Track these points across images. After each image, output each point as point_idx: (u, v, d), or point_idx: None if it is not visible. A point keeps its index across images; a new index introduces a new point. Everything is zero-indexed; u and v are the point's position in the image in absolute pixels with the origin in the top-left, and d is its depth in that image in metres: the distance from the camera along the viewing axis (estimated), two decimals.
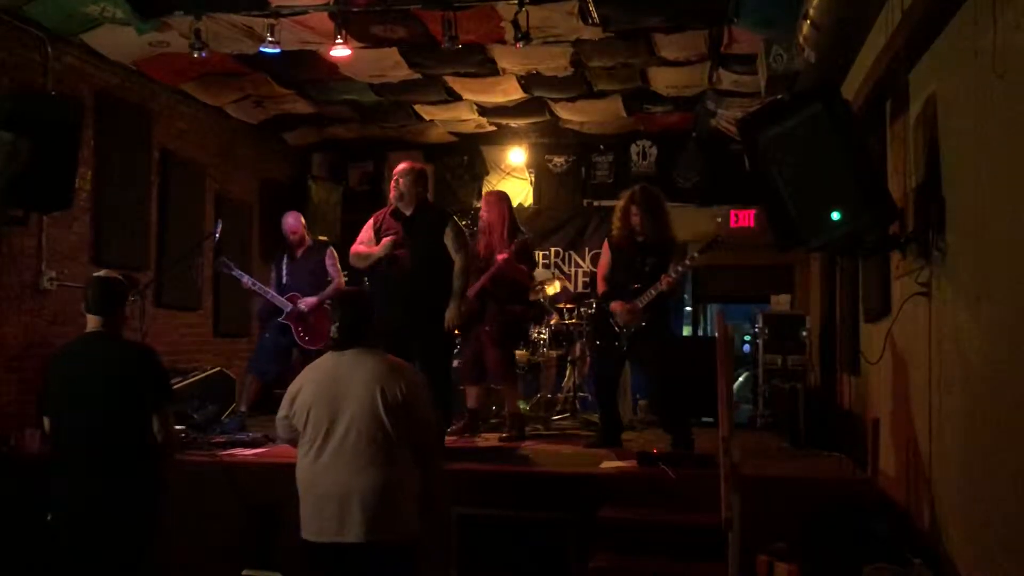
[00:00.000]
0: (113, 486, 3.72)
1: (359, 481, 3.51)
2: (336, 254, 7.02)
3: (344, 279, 7.16)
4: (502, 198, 6.81)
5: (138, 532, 3.81)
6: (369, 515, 3.49)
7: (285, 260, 7.01)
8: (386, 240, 5.78)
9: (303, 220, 7.10)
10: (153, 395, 3.80)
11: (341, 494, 3.51)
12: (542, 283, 8.16)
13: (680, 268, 5.72)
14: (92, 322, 3.89)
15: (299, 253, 6.99)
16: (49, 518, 3.81)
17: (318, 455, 3.59)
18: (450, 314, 5.74)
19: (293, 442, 3.79)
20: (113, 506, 3.72)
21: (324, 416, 3.59)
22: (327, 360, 3.77)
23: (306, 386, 3.71)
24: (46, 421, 3.91)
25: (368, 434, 3.53)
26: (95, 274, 4.06)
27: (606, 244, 6.18)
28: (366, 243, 5.93)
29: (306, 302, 6.76)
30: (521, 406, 7.40)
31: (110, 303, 3.91)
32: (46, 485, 3.85)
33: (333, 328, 3.75)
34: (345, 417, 3.56)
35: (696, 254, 5.76)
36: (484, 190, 9.88)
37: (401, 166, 5.89)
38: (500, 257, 6.33)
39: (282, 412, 3.75)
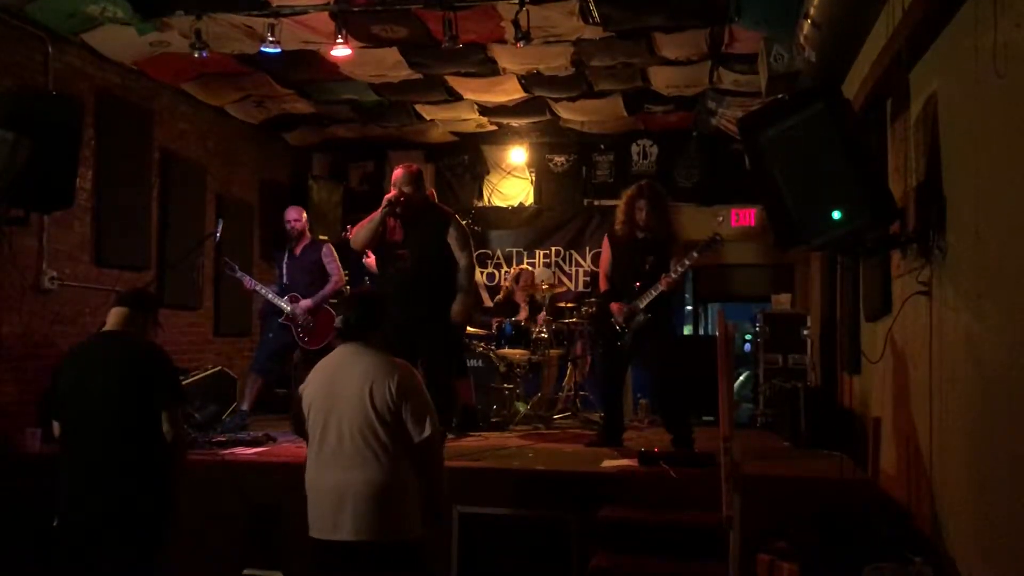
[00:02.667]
0: (123, 485, 3.70)
1: (350, 480, 3.50)
2: (334, 251, 7.01)
3: (345, 277, 7.16)
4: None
5: (149, 533, 3.78)
6: (360, 515, 3.47)
7: (285, 258, 7.01)
8: (386, 198, 5.75)
9: (305, 215, 7.10)
10: (162, 393, 3.78)
11: (336, 492, 3.52)
12: (543, 283, 8.17)
13: (680, 268, 5.72)
14: (114, 317, 3.87)
15: (298, 251, 6.99)
16: (55, 523, 3.76)
17: (318, 452, 3.60)
18: (457, 308, 5.73)
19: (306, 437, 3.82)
20: (123, 506, 3.69)
21: (321, 413, 3.61)
22: (331, 357, 3.80)
23: (310, 384, 3.74)
24: (55, 425, 3.88)
25: (358, 433, 3.52)
26: None
27: (606, 240, 6.18)
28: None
29: (302, 306, 6.73)
30: (521, 406, 7.41)
31: (141, 301, 3.97)
32: (49, 485, 3.82)
33: (338, 320, 3.77)
34: (337, 415, 3.56)
35: (695, 253, 5.76)
36: (485, 190, 9.91)
37: (398, 172, 5.88)
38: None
39: (294, 408, 3.81)
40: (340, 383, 3.62)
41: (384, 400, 3.54)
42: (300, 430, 3.79)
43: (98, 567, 3.72)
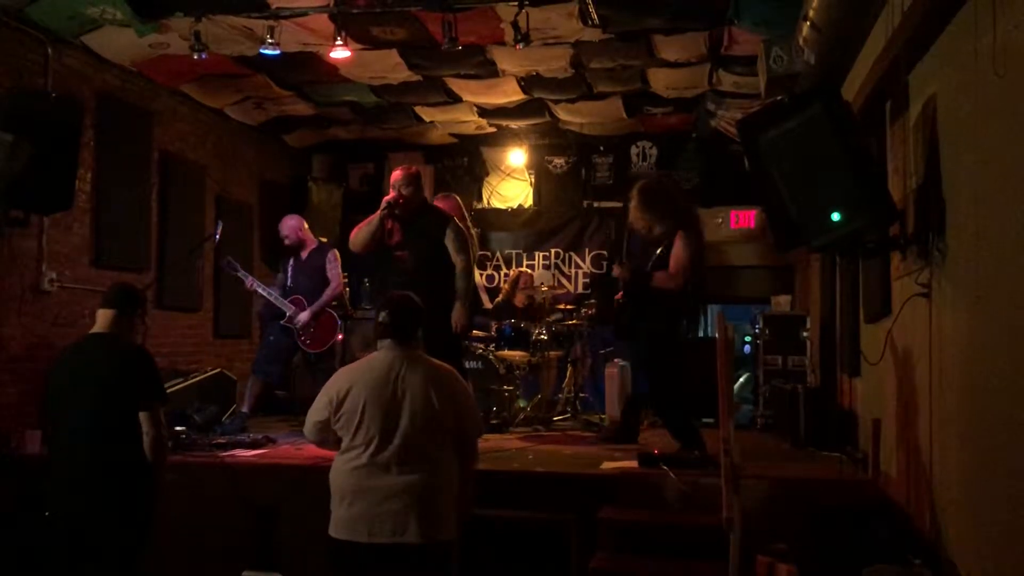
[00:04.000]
0: (105, 486, 3.75)
1: (418, 482, 3.49)
2: (338, 256, 6.99)
3: (344, 281, 7.15)
4: (447, 198, 6.99)
5: (131, 533, 3.81)
6: (427, 516, 3.48)
7: (291, 261, 6.99)
8: (385, 199, 5.77)
9: (304, 224, 7.07)
10: (143, 395, 3.82)
11: (401, 495, 3.47)
12: (541, 285, 8.17)
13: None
14: (101, 319, 3.90)
15: (305, 255, 6.97)
16: (47, 514, 3.83)
17: (374, 456, 3.51)
18: (456, 315, 5.73)
19: (326, 444, 3.72)
20: (105, 506, 3.74)
21: (380, 417, 3.52)
22: (378, 360, 3.67)
23: (356, 387, 3.58)
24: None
25: (424, 436, 3.51)
26: None
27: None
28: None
29: (303, 319, 6.70)
30: (522, 402, 7.42)
31: (126, 300, 3.99)
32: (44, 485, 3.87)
33: (383, 314, 3.68)
34: (395, 418, 3.52)
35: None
36: (484, 191, 9.91)
37: (397, 174, 5.88)
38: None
39: (321, 415, 3.62)
40: (401, 388, 3.55)
41: (445, 405, 3.56)
42: (319, 436, 3.72)
43: (83, 564, 3.77)
